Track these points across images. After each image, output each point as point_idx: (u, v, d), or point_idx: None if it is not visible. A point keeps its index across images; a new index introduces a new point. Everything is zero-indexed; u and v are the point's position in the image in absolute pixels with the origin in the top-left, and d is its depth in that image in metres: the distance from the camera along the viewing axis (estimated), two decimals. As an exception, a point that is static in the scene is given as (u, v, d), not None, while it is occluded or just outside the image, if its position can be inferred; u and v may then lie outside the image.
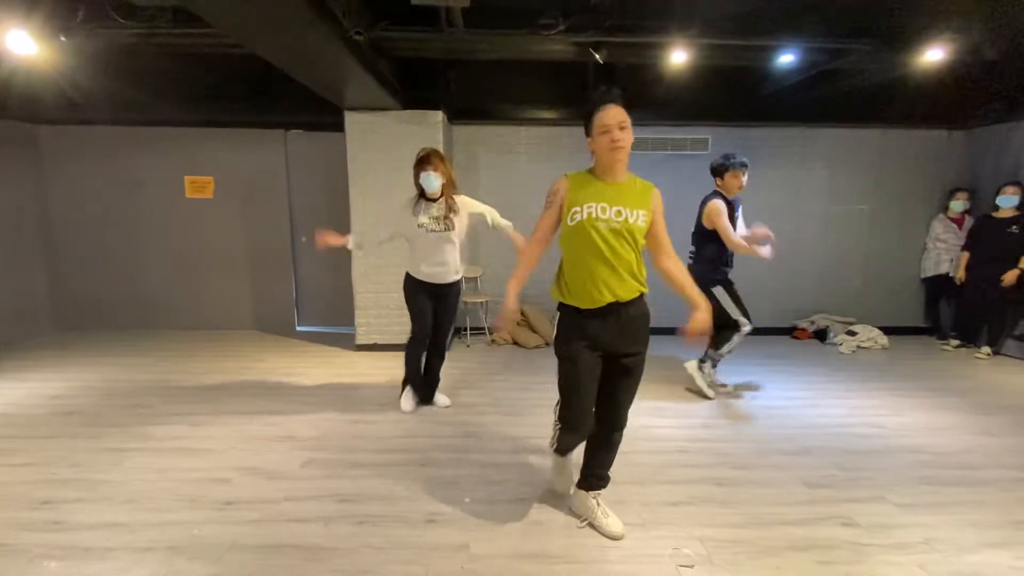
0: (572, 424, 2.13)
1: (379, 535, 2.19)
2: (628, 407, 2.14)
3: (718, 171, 3.59)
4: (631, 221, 1.96)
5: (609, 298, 1.97)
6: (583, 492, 2.30)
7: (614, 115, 1.95)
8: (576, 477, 2.38)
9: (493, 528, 2.25)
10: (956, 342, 5.23)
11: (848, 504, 2.46)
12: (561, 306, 2.10)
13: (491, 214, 3.33)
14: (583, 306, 2.01)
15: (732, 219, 3.53)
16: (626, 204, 1.97)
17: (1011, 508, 2.46)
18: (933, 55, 3.35)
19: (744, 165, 3.52)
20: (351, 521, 2.29)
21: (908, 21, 3.24)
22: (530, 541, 2.17)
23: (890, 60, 3.54)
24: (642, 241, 2.04)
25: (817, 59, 3.66)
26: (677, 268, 2.13)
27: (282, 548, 2.11)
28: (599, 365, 2.06)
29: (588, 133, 2.02)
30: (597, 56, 3.42)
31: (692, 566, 2.04)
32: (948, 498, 2.54)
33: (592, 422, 2.15)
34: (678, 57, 3.48)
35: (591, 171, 2.06)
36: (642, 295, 2.07)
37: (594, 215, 1.94)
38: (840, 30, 3.37)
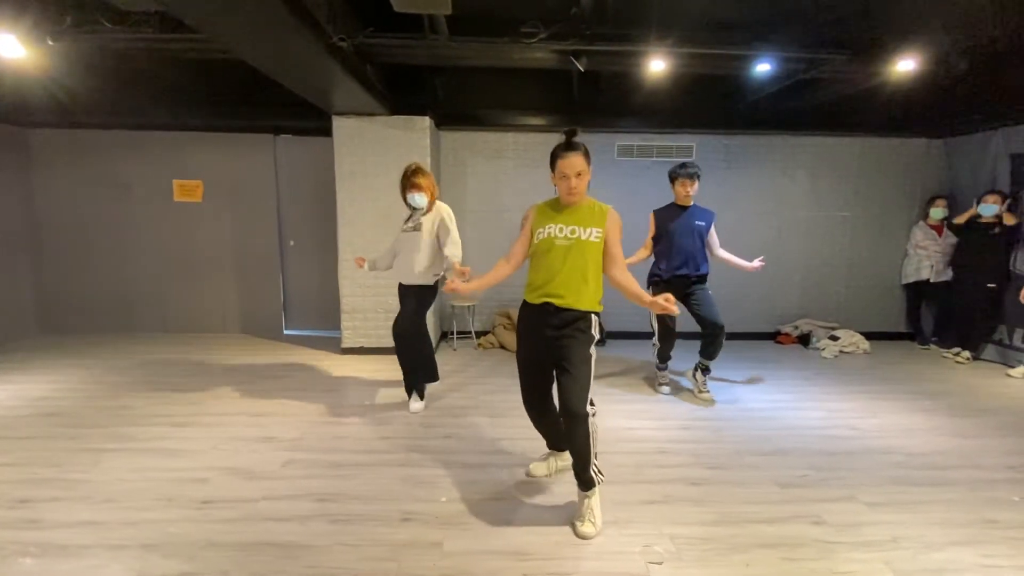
0: (523, 398, 2.51)
1: (354, 533, 2.22)
2: (574, 398, 2.18)
3: (670, 178, 3.74)
4: (583, 237, 2.26)
5: (545, 298, 2.28)
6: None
7: (572, 165, 2.24)
8: (551, 469, 2.73)
9: (467, 526, 2.28)
10: (936, 346, 5.31)
11: (819, 503, 2.51)
12: (522, 303, 2.41)
13: (453, 245, 3.37)
14: (529, 300, 2.35)
15: (687, 228, 3.69)
16: (580, 224, 2.28)
17: (979, 507, 2.51)
18: (905, 65, 3.44)
19: (690, 175, 3.63)
20: (327, 520, 2.31)
21: (880, 33, 3.33)
22: (503, 538, 2.20)
23: (864, 70, 3.62)
24: (596, 256, 2.29)
25: (794, 68, 3.74)
26: (623, 277, 2.36)
27: (257, 546, 2.13)
28: (539, 353, 2.35)
29: (552, 170, 2.32)
30: (578, 64, 3.49)
31: (661, 563, 2.07)
32: (917, 497, 2.58)
33: (539, 405, 2.49)
34: (657, 65, 3.55)
35: (556, 200, 2.38)
36: (583, 312, 2.27)
37: (553, 233, 2.29)
38: (815, 41, 3.45)
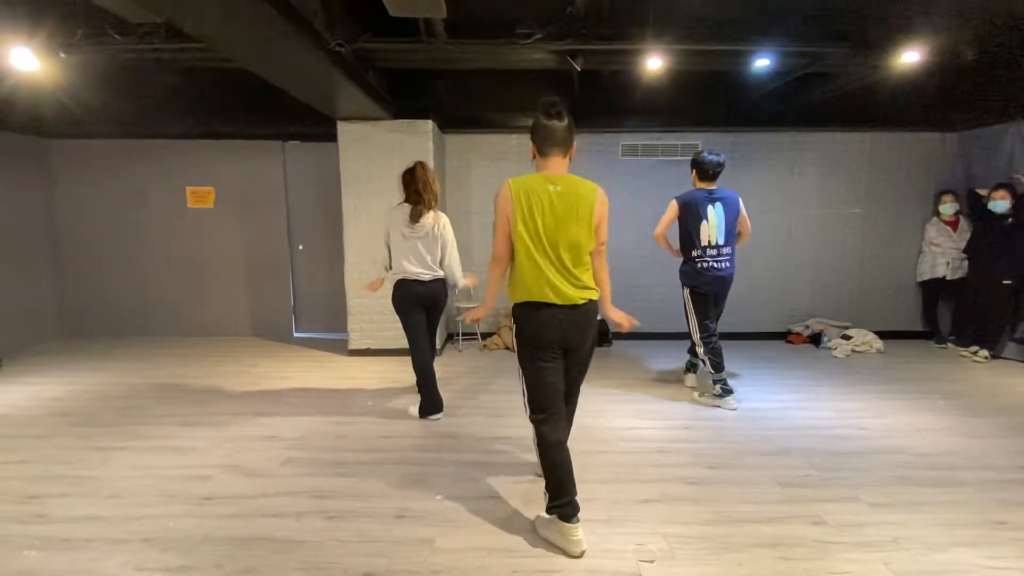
0: None
1: (348, 529, 2.24)
2: None
3: None
4: None
5: None
6: None
7: None
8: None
9: (460, 523, 2.29)
10: (954, 345, 5.17)
11: (820, 503, 2.46)
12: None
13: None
14: None
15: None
16: None
17: (987, 508, 2.43)
18: (909, 57, 3.37)
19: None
20: (322, 516, 2.34)
21: (880, 24, 3.27)
22: (495, 536, 2.20)
23: (866, 63, 3.57)
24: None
25: (795, 63, 3.70)
26: None
27: (252, 541, 2.17)
28: None
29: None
30: (574, 63, 3.50)
31: (653, 561, 2.05)
32: (923, 498, 2.51)
33: None
34: (654, 63, 3.54)
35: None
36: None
37: None
38: (815, 34, 3.41)
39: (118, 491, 2.55)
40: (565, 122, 2.13)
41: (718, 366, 3.63)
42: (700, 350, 3.69)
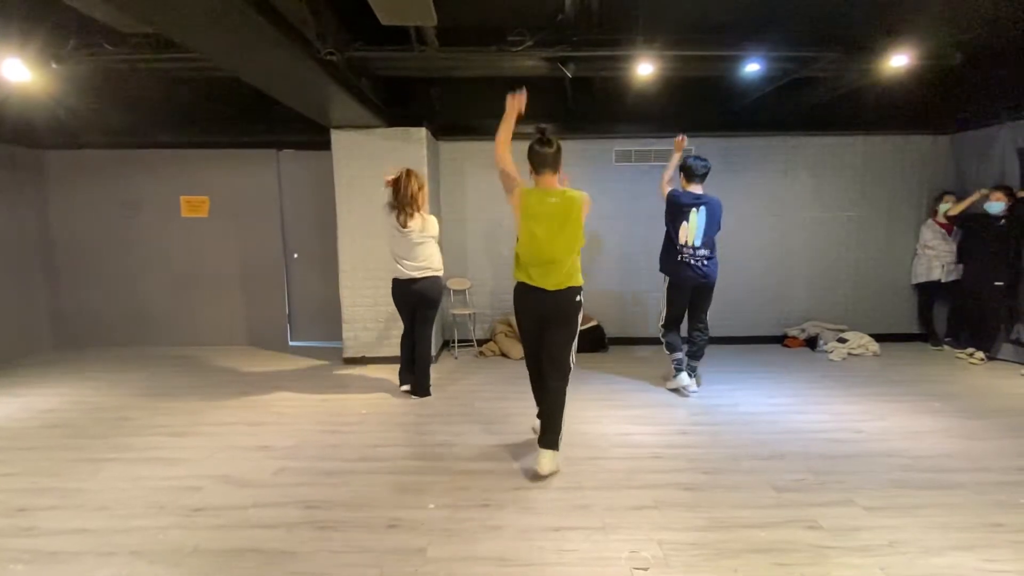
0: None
1: (339, 539, 2.22)
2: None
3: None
4: None
5: None
6: None
7: None
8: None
9: (453, 532, 2.26)
10: (950, 347, 5.17)
11: (815, 508, 2.44)
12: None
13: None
14: None
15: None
16: None
17: (985, 510, 2.42)
18: (898, 60, 3.39)
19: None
20: (314, 526, 2.31)
21: (869, 28, 3.29)
22: (487, 544, 2.18)
23: (857, 66, 3.58)
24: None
25: (786, 68, 3.72)
26: None
27: (242, 552, 2.14)
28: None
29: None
30: (565, 70, 3.51)
31: (647, 568, 2.03)
32: (919, 501, 2.50)
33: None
34: (644, 69, 3.56)
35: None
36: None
37: None
38: (805, 39, 3.43)
39: (107, 503, 2.52)
40: (554, 148, 2.71)
41: (672, 348, 3.97)
42: (660, 333, 4.02)
